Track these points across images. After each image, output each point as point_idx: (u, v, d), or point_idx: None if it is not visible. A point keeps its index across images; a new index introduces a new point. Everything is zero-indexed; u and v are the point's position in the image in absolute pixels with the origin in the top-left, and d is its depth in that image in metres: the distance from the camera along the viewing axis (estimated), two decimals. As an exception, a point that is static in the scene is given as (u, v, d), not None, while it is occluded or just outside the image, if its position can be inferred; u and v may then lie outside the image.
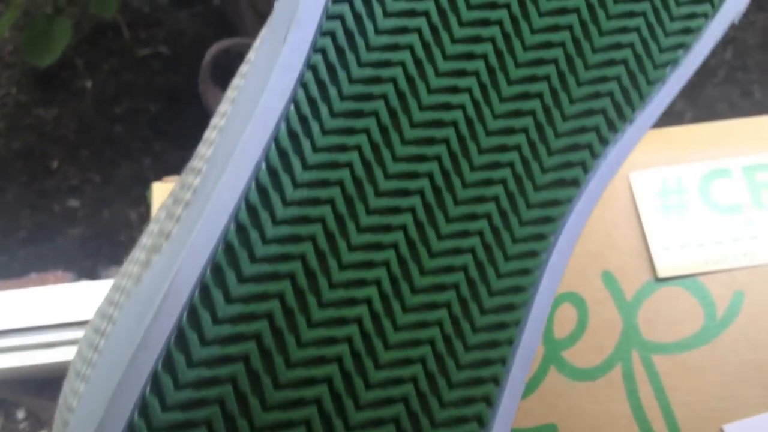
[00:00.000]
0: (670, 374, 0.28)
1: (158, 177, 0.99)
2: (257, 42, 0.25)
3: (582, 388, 0.28)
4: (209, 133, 0.23)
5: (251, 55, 0.23)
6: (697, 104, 0.94)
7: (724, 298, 0.29)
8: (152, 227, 0.24)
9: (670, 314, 0.29)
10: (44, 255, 0.88)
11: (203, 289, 0.18)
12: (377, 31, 0.19)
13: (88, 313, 0.37)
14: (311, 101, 0.18)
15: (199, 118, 0.94)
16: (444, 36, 0.19)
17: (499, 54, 0.19)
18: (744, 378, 0.28)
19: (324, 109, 0.18)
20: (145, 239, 0.24)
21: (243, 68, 0.25)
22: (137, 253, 0.23)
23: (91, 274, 0.85)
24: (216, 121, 0.23)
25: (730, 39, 0.99)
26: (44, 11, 1.00)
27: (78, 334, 0.37)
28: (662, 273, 0.30)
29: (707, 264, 0.30)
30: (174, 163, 0.92)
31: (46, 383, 0.38)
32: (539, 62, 0.19)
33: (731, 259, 0.30)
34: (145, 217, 0.89)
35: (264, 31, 0.22)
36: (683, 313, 0.29)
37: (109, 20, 0.97)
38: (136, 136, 0.95)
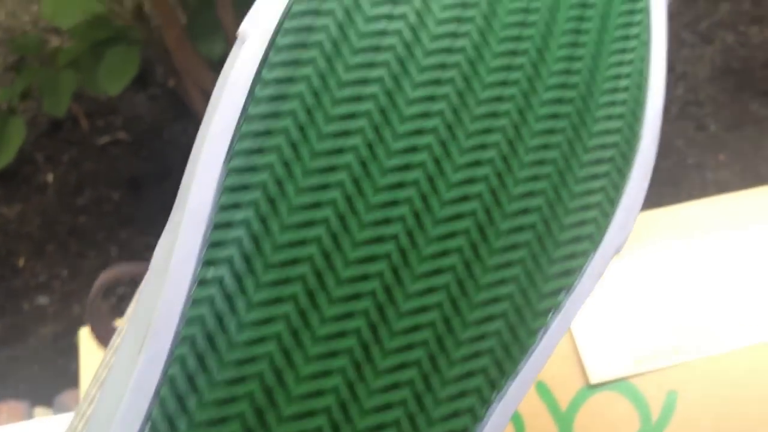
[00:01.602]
0: (609, 486, 0.28)
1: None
2: (130, 308, 0.24)
3: (523, 508, 0.28)
4: (77, 422, 0.22)
5: (117, 340, 0.22)
6: (655, 141, 0.95)
7: (658, 399, 0.29)
8: None
9: (606, 421, 0.29)
10: (17, 357, 0.87)
11: None
12: (241, 327, 0.17)
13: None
14: (169, 420, 0.17)
15: (163, 203, 0.94)
16: (313, 318, 0.18)
17: (373, 328, 0.18)
18: (682, 485, 0.28)
19: (182, 424, 0.17)
20: None
21: (116, 341, 0.24)
22: None
23: (65, 373, 0.84)
24: (84, 407, 0.22)
25: (680, 74, 1.00)
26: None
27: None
28: (594, 379, 0.29)
29: (639, 365, 0.30)
30: (140, 249, 0.92)
31: None
32: (415, 328, 0.19)
33: (662, 357, 0.30)
34: (115, 309, 0.89)
35: (131, 309, 0.20)
36: (618, 418, 0.29)
37: (66, 111, 0.97)
38: (100, 226, 0.94)
